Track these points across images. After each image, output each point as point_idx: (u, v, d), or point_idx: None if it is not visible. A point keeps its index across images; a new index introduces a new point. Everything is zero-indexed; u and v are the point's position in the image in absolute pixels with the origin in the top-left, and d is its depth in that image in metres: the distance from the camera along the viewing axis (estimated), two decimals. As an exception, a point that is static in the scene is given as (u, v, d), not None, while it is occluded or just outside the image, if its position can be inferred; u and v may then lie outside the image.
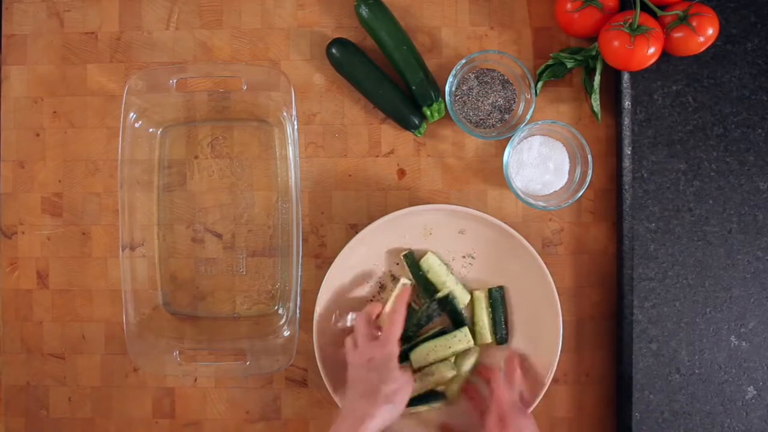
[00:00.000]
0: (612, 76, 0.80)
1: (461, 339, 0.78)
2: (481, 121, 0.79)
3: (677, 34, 0.73)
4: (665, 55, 0.76)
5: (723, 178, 0.78)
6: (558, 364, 0.76)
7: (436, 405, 0.78)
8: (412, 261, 0.79)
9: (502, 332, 0.79)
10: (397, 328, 0.73)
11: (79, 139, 0.83)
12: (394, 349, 0.72)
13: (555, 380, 0.81)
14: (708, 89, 0.78)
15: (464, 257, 0.80)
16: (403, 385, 0.70)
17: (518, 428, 0.70)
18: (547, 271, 0.76)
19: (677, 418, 0.77)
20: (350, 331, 0.78)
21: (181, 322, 0.82)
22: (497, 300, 0.79)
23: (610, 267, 0.81)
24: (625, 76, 0.78)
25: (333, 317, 0.79)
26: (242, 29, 0.82)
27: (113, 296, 0.82)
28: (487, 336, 0.79)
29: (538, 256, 0.76)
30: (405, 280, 0.78)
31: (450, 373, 0.77)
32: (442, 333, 0.79)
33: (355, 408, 0.68)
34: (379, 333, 0.75)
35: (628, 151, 0.78)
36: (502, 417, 0.71)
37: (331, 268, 0.77)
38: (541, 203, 0.78)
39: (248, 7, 0.82)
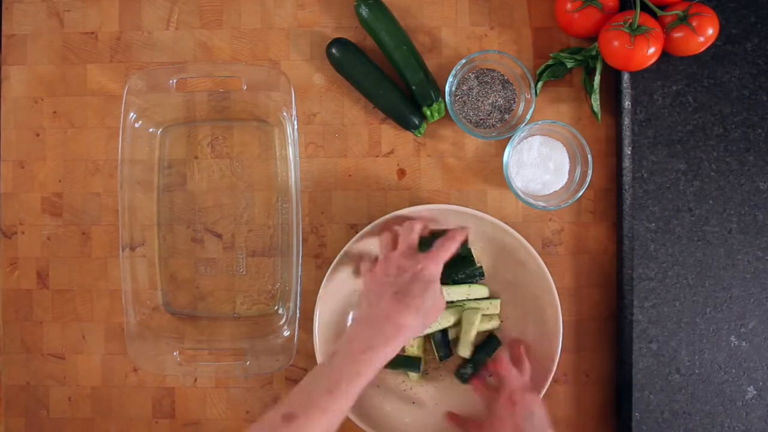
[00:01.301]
0: (612, 76, 0.80)
1: (481, 293, 0.79)
2: (481, 121, 0.79)
3: (677, 34, 0.73)
4: (665, 55, 0.76)
5: (723, 178, 0.78)
6: (558, 364, 0.76)
7: (413, 375, 0.79)
8: None
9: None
10: (450, 252, 0.71)
11: (79, 139, 0.83)
12: (441, 270, 0.69)
13: (555, 380, 0.81)
14: (708, 89, 0.78)
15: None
16: (440, 307, 0.68)
17: (528, 407, 0.69)
18: (547, 271, 0.76)
19: (677, 418, 0.77)
20: None
21: (181, 322, 0.82)
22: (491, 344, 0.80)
23: (610, 267, 0.81)
24: (625, 76, 0.78)
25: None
26: (242, 29, 0.82)
27: (113, 296, 0.82)
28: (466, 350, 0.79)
29: (538, 256, 0.76)
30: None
31: (451, 319, 0.78)
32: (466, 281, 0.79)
33: (391, 313, 0.64)
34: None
35: (628, 151, 0.78)
36: (512, 397, 0.70)
37: (331, 268, 0.77)
38: (541, 203, 0.78)
39: (248, 7, 0.82)
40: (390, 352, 0.63)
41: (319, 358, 0.77)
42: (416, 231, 0.72)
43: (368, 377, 0.62)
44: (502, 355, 0.76)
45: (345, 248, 0.77)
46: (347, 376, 0.61)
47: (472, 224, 0.78)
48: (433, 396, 0.80)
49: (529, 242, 0.76)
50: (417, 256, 0.69)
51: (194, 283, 0.82)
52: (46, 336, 0.83)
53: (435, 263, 0.69)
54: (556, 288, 0.76)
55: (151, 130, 0.80)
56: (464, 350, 0.78)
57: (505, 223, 0.76)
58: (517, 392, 0.71)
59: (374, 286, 0.69)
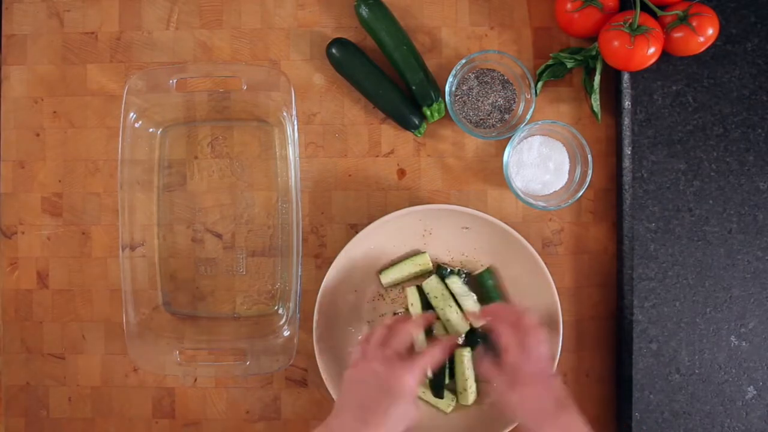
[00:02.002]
0: (612, 76, 0.80)
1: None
2: (481, 121, 0.79)
3: (677, 34, 0.73)
4: (665, 55, 0.76)
5: (723, 178, 0.78)
6: (558, 364, 0.76)
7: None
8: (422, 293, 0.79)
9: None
10: (433, 363, 0.69)
11: (79, 139, 0.83)
12: (418, 382, 0.66)
13: (555, 380, 0.81)
14: (708, 89, 0.78)
15: (464, 255, 0.80)
16: (409, 421, 0.65)
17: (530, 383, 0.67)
18: (547, 271, 0.76)
19: (677, 418, 0.77)
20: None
21: (181, 322, 0.82)
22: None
23: (610, 267, 0.81)
24: (625, 76, 0.78)
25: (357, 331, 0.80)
26: (242, 29, 0.82)
27: (113, 296, 0.82)
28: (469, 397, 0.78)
29: (538, 256, 0.76)
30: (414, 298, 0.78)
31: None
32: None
33: (348, 429, 0.62)
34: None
35: (628, 151, 0.78)
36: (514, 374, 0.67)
37: (330, 268, 0.77)
38: (541, 203, 0.78)
39: (248, 7, 0.82)
40: None
41: (318, 358, 0.77)
42: (409, 335, 0.70)
43: None
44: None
45: (345, 248, 0.77)
46: None
47: (472, 224, 0.78)
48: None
49: (529, 242, 0.76)
50: (395, 365, 0.65)
51: (194, 283, 0.82)
52: (46, 336, 0.83)
53: (412, 374, 0.65)
54: (556, 288, 0.76)
55: (151, 130, 0.80)
56: (465, 399, 0.78)
57: (505, 223, 0.76)
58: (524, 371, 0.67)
59: (345, 388, 0.67)
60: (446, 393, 0.79)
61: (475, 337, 0.79)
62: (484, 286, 0.79)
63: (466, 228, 0.79)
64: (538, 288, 0.77)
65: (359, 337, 0.76)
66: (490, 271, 0.79)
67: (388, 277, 0.79)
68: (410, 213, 0.77)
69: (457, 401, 0.79)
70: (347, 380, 0.68)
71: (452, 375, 0.79)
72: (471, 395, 0.78)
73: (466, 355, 0.77)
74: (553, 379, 0.68)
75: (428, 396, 0.78)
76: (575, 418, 0.64)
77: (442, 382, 0.78)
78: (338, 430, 0.63)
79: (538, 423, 0.64)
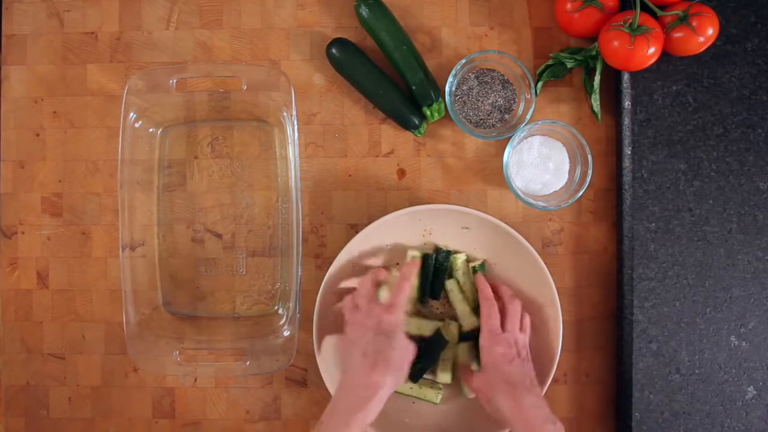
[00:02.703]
0: (612, 76, 0.80)
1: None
2: (481, 121, 0.79)
3: (677, 34, 0.73)
4: (665, 55, 0.76)
5: (723, 178, 0.78)
6: (558, 364, 0.76)
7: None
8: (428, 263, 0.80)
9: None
10: (405, 295, 0.73)
11: (79, 139, 0.83)
12: (401, 314, 0.72)
13: (555, 380, 0.81)
14: (708, 89, 0.78)
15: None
16: (409, 352, 0.71)
17: (510, 348, 0.72)
18: (548, 272, 0.76)
19: (677, 418, 0.77)
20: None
21: (181, 322, 0.82)
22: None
23: (610, 267, 0.81)
24: (625, 76, 0.78)
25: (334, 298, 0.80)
26: (242, 29, 0.82)
27: (113, 296, 0.82)
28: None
29: (539, 257, 0.76)
30: (414, 253, 0.78)
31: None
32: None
33: (362, 375, 0.68)
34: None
35: (628, 151, 0.78)
36: (492, 335, 0.72)
37: (331, 267, 0.77)
38: (541, 203, 0.78)
39: (248, 7, 0.82)
40: (372, 412, 0.66)
41: (318, 358, 0.77)
42: (369, 283, 0.74)
43: None
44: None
45: (345, 248, 0.77)
46: None
47: (472, 224, 0.78)
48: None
49: (529, 242, 0.76)
50: (374, 310, 0.72)
51: (194, 283, 0.82)
52: (46, 336, 0.83)
53: (391, 312, 0.71)
54: (556, 288, 0.76)
55: (151, 130, 0.80)
56: (444, 376, 0.78)
57: (505, 223, 0.76)
58: (497, 331, 0.73)
59: (344, 352, 0.72)
60: (433, 384, 0.79)
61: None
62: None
63: (466, 228, 0.79)
64: (538, 288, 0.77)
65: (341, 305, 0.77)
66: (483, 265, 0.79)
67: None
68: (410, 213, 0.77)
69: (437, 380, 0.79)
70: (343, 344, 0.73)
71: (434, 361, 0.79)
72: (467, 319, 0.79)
73: (453, 289, 0.79)
74: (523, 359, 0.72)
75: (416, 391, 0.78)
76: (539, 403, 0.69)
77: (424, 366, 0.78)
78: (351, 383, 0.68)
79: (500, 399, 0.69)
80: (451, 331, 0.79)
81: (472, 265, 0.79)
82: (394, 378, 0.68)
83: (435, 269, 0.79)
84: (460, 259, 0.79)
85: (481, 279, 0.77)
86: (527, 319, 0.76)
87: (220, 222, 0.82)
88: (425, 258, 0.79)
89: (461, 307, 0.79)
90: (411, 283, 0.75)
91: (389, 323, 0.71)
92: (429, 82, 0.78)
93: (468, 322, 0.79)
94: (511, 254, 0.78)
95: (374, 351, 0.68)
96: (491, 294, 0.75)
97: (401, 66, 0.78)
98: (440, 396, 0.79)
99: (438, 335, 0.78)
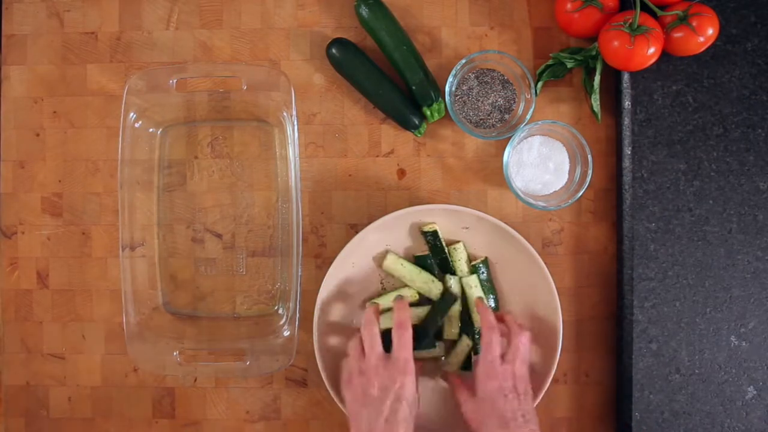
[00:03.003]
0: (612, 76, 0.80)
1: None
2: (481, 121, 0.79)
3: (677, 34, 0.73)
4: (665, 55, 0.76)
5: (723, 178, 0.78)
6: (558, 364, 0.76)
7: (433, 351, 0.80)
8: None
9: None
10: (409, 346, 0.69)
11: (79, 139, 0.83)
12: (414, 378, 0.69)
13: (555, 380, 0.81)
14: (708, 89, 0.78)
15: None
16: (417, 404, 0.69)
17: (507, 380, 0.70)
18: (547, 272, 0.76)
19: (677, 418, 0.77)
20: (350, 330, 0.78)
21: (181, 322, 0.82)
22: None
23: (610, 267, 0.81)
24: (625, 76, 0.78)
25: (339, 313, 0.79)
26: (242, 29, 0.82)
27: (113, 296, 0.82)
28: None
29: (538, 256, 0.76)
30: (402, 292, 0.78)
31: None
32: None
33: None
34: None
35: (628, 151, 0.78)
36: (491, 367, 0.70)
37: (331, 267, 0.77)
38: (541, 203, 0.77)
39: (248, 7, 0.82)
40: None
41: (318, 358, 0.77)
42: (376, 335, 0.71)
43: None
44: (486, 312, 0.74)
45: (345, 248, 0.77)
46: None
47: (472, 224, 0.78)
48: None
49: (529, 242, 0.76)
50: (392, 371, 0.68)
51: (194, 283, 0.82)
52: (46, 336, 0.83)
53: (410, 376, 0.68)
54: (556, 288, 0.76)
55: (151, 130, 0.80)
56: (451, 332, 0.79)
57: (506, 223, 0.76)
58: (496, 362, 0.70)
59: (359, 408, 0.68)
60: (437, 343, 0.80)
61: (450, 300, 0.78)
62: (477, 276, 0.79)
63: (466, 228, 0.79)
64: (538, 288, 0.77)
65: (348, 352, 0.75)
66: (485, 263, 0.79)
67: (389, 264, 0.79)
68: (410, 213, 0.77)
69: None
70: (353, 402, 0.70)
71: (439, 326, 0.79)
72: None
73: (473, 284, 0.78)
74: (520, 393, 0.69)
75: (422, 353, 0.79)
76: None
77: (428, 333, 0.77)
78: None
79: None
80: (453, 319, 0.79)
81: (473, 263, 0.79)
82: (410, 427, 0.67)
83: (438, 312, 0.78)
84: (460, 252, 0.79)
85: (481, 304, 0.75)
86: (529, 350, 0.73)
87: (220, 222, 0.82)
88: (433, 305, 0.79)
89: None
90: (408, 330, 0.70)
91: (410, 390, 0.68)
92: (429, 82, 0.78)
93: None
94: (510, 254, 0.78)
95: (399, 420, 0.66)
96: (494, 321, 0.73)
97: (401, 66, 0.78)
98: (442, 347, 0.79)
99: (446, 297, 0.78)
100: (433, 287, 0.79)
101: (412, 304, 0.78)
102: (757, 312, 0.77)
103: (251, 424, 0.82)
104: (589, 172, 0.75)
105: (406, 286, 0.80)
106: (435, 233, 0.78)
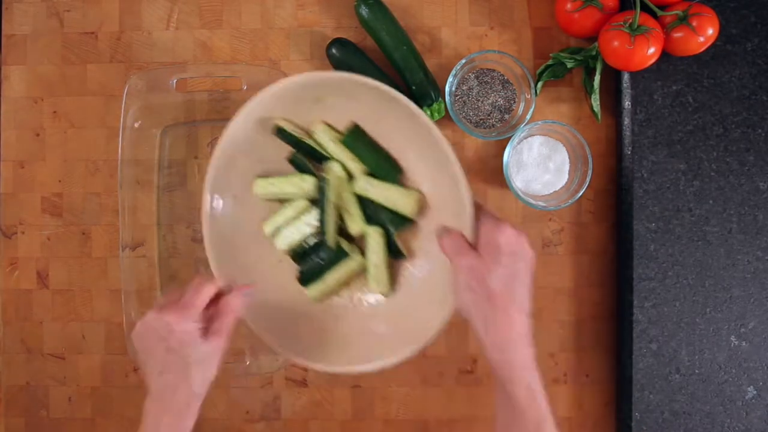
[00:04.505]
0: (612, 76, 0.80)
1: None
2: (481, 121, 0.79)
3: (677, 34, 0.73)
4: (665, 55, 0.76)
5: (723, 178, 0.78)
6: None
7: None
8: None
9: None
10: (201, 298, 0.62)
11: (79, 139, 0.83)
12: (193, 324, 0.60)
13: (555, 380, 0.81)
14: (708, 89, 0.78)
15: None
16: (213, 361, 0.61)
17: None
18: (443, 138, 0.63)
19: (677, 418, 0.77)
20: None
21: (181, 322, 0.82)
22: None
23: (610, 267, 0.81)
24: (625, 76, 0.78)
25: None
26: (242, 29, 0.82)
27: (113, 296, 0.82)
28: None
29: (432, 124, 0.63)
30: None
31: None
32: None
33: (167, 397, 0.60)
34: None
35: (628, 151, 0.78)
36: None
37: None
38: (541, 203, 0.78)
39: (248, 7, 0.82)
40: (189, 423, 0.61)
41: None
42: (204, 296, 0.62)
43: None
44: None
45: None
46: None
47: (326, 93, 0.67)
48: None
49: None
50: (165, 315, 0.60)
51: (194, 283, 0.82)
52: (46, 336, 0.83)
53: (180, 321, 0.60)
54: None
55: (151, 130, 0.80)
56: (377, 285, 0.69)
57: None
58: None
59: (142, 357, 0.62)
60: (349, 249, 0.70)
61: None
62: (354, 150, 0.69)
63: (319, 101, 0.68)
64: (436, 158, 0.64)
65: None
66: (355, 132, 0.68)
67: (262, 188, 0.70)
68: (251, 111, 0.65)
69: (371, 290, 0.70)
70: (138, 347, 0.62)
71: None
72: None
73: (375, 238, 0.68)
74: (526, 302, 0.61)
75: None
76: (533, 365, 0.60)
77: (323, 244, 0.69)
78: (158, 404, 0.60)
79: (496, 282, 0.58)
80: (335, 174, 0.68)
81: (342, 139, 0.69)
82: (202, 389, 0.61)
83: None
84: (321, 133, 0.69)
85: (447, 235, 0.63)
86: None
87: (220, 222, 0.82)
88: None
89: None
90: (209, 291, 0.63)
91: (179, 339, 0.59)
92: (429, 82, 0.78)
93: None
94: (383, 109, 0.66)
95: (171, 372, 0.59)
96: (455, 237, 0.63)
97: (401, 66, 0.78)
98: (356, 250, 0.70)
99: (320, 186, 0.68)
100: (304, 184, 0.69)
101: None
102: (757, 312, 0.77)
103: (251, 424, 0.82)
104: (589, 172, 0.75)
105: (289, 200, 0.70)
106: (281, 129, 0.67)
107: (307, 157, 0.70)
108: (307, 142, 0.69)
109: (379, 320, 0.71)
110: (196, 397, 0.61)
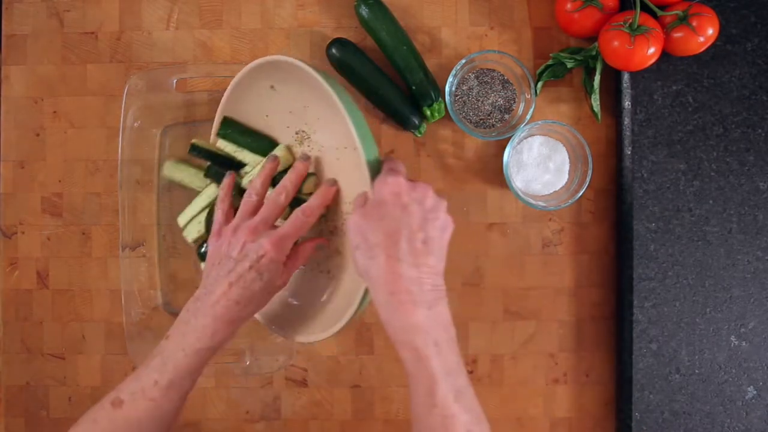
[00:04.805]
0: (612, 76, 0.80)
1: None
2: (481, 121, 0.80)
3: (677, 34, 0.73)
4: (665, 55, 0.76)
5: (723, 178, 0.78)
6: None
7: None
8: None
9: None
10: (301, 230, 0.62)
11: (79, 139, 0.83)
12: (282, 253, 0.61)
13: (555, 380, 0.81)
14: (708, 89, 0.78)
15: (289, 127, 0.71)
16: (277, 287, 0.62)
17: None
18: (332, 91, 0.60)
19: (677, 418, 0.77)
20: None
21: (181, 322, 0.82)
22: None
23: (610, 267, 0.81)
24: (625, 76, 0.78)
25: None
26: (242, 29, 0.82)
27: (113, 296, 0.82)
28: None
29: (327, 86, 0.61)
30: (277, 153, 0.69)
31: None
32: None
33: (221, 306, 0.59)
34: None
35: (628, 151, 0.78)
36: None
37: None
38: (541, 203, 0.78)
39: (248, 7, 0.82)
40: (221, 343, 0.60)
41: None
42: (282, 203, 0.63)
43: (200, 371, 0.61)
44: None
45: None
46: (180, 372, 0.59)
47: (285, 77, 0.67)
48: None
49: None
50: (262, 239, 0.60)
51: (194, 283, 0.82)
52: (46, 336, 0.83)
53: (277, 248, 0.60)
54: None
55: (151, 130, 0.80)
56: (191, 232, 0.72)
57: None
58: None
59: (212, 266, 0.62)
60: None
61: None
62: (235, 142, 0.72)
63: (272, 88, 0.70)
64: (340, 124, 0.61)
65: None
66: (227, 122, 0.71)
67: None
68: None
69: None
70: (211, 254, 0.63)
71: None
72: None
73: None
74: (435, 234, 0.56)
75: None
76: (447, 319, 0.55)
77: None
78: (209, 310, 0.60)
79: (393, 299, 0.54)
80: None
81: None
82: (250, 315, 0.61)
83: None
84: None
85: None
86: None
87: (220, 222, 0.82)
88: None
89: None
90: (315, 215, 0.63)
91: (270, 262, 0.60)
92: (429, 82, 0.78)
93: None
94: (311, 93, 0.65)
95: (243, 285, 0.59)
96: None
97: (401, 66, 0.78)
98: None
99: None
100: (201, 183, 0.73)
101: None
102: (757, 312, 0.77)
103: (251, 424, 0.82)
104: (589, 172, 0.75)
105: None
106: (195, 146, 0.71)
107: (223, 166, 0.72)
108: (218, 153, 0.72)
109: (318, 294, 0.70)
110: (242, 320, 0.61)
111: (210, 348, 0.60)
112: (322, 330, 0.65)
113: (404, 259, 0.54)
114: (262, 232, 0.61)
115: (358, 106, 0.63)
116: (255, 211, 0.64)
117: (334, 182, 0.66)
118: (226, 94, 0.70)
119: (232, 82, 0.69)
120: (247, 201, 0.64)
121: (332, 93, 0.60)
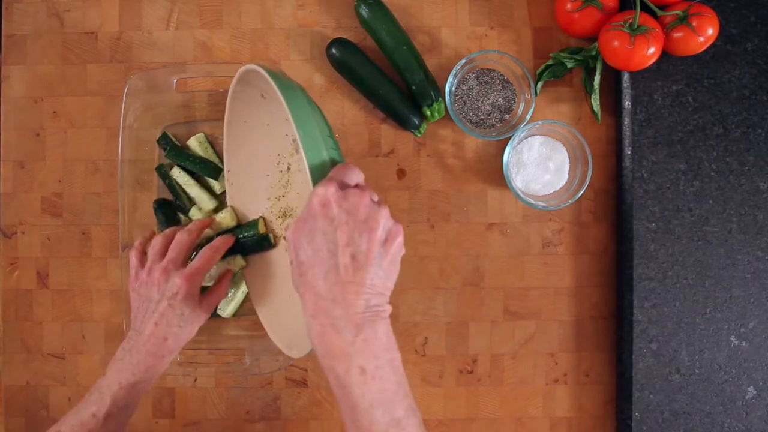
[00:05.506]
0: (612, 76, 0.80)
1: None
2: (481, 121, 0.80)
3: (677, 34, 0.73)
4: (665, 55, 0.76)
5: (723, 178, 0.78)
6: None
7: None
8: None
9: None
10: (207, 264, 0.68)
11: (79, 139, 0.83)
12: (194, 286, 0.67)
13: (555, 380, 0.81)
14: (708, 89, 0.78)
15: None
16: (202, 320, 0.68)
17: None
18: (276, 88, 0.57)
19: (677, 418, 0.77)
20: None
21: (181, 322, 0.82)
22: None
23: (610, 267, 0.81)
24: (625, 76, 0.78)
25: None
26: (242, 29, 0.82)
27: (113, 296, 0.82)
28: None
29: (275, 86, 0.57)
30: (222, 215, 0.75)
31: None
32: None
33: (151, 344, 0.65)
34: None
35: (628, 151, 0.78)
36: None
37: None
38: (541, 203, 0.78)
39: (248, 7, 0.82)
40: (154, 376, 0.66)
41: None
42: (186, 242, 0.69)
43: (137, 404, 0.66)
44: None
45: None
46: (117, 404, 0.64)
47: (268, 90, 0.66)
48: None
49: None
50: (173, 277, 0.66)
51: (194, 283, 0.82)
52: (46, 336, 0.83)
53: (189, 282, 0.66)
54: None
55: (151, 130, 0.80)
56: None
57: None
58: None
59: (137, 309, 0.68)
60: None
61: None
62: (183, 164, 0.79)
63: (263, 96, 0.70)
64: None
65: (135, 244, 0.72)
66: (174, 150, 0.78)
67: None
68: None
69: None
70: (134, 298, 0.69)
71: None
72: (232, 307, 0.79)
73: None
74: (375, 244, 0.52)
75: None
76: (387, 341, 0.51)
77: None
78: (141, 347, 0.65)
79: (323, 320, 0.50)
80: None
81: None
82: (180, 347, 0.67)
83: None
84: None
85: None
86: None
87: (220, 222, 0.82)
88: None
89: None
90: (219, 255, 0.70)
91: (185, 296, 0.65)
92: (429, 82, 0.78)
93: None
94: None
95: (166, 324, 0.65)
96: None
97: (401, 66, 0.78)
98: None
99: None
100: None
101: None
102: (757, 312, 0.77)
103: (251, 424, 0.82)
104: (589, 172, 0.75)
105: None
106: (162, 201, 0.79)
107: (167, 207, 0.79)
108: (188, 153, 0.79)
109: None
110: (173, 353, 0.67)
111: (145, 381, 0.65)
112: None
113: (328, 278, 0.50)
114: (173, 271, 0.67)
115: (321, 108, 0.61)
116: (163, 252, 0.69)
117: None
118: (227, 106, 0.72)
119: (228, 96, 0.71)
120: (154, 244, 0.70)
121: (277, 90, 0.56)
